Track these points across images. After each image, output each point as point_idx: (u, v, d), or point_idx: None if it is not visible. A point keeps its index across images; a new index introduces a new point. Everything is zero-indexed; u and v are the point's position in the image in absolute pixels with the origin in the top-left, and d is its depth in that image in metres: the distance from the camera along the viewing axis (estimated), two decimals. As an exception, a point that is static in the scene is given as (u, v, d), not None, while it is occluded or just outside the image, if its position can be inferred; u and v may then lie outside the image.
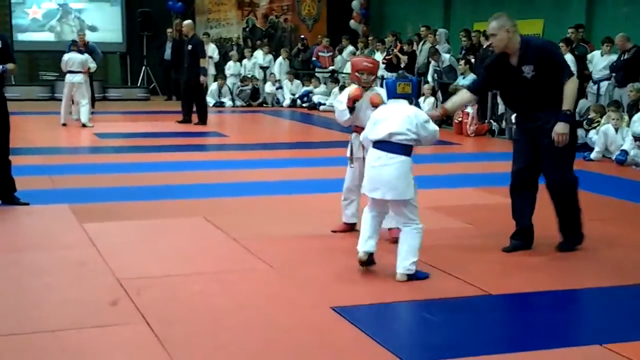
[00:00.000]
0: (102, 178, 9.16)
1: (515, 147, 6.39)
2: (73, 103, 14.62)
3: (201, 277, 5.40)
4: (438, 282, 5.30)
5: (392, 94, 5.50)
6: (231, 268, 5.63)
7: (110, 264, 5.58)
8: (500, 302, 5.02)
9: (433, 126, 5.49)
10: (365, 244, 5.42)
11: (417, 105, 5.98)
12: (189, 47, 15.08)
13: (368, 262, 5.42)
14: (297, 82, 20.17)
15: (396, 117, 5.37)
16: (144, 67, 22.35)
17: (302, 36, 21.61)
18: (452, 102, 6.50)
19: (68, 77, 14.37)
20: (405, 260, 5.27)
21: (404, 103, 5.46)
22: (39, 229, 6.73)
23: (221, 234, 6.56)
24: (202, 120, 15.15)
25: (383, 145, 5.36)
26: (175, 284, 5.21)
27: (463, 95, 6.51)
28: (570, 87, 5.92)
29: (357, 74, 6.25)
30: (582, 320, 4.87)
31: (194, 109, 15.27)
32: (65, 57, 14.49)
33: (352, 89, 6.28)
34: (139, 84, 22.11)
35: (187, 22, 16.01)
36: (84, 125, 14.16)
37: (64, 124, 14.34)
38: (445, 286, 5.22)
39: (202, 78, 15.07)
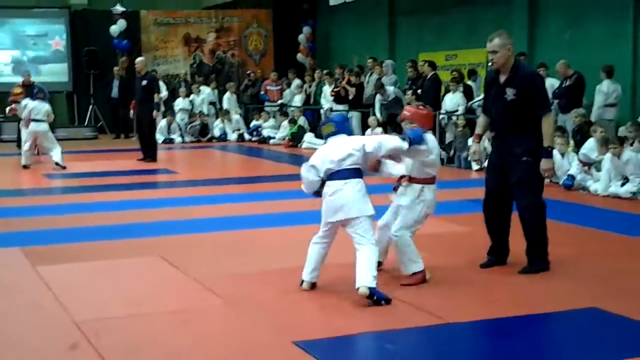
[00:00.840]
0: (54, 219, 9.05)
1: (488, 168, 6.68)
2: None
3: (160, 316, 5.37)
4: (398, 311, 5.35)
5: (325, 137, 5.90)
6: (190, 306, 5.61)
7: (67, 306, 5.52)
8: (458, 329, 5.08)
9: (392, 140, 5.81)
10: (310, 275, 5.79)
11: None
12: (144, 82, 15.04)
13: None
14: (236, 117, 20.24)
15: (335, 147, 5.70)
16: (91, 106, 22.21)
17: (249, 71, 21.70)
18: (479, 126, 6.81)
19: (32, 125, 14.10)
20: (366, 273, 5.38)
21: (335, 138, 5.80)
22: (-9, 274, 6.63)
23: (177, 272, 6.53)
24: (152, 157, 15.09)
25: (334, 175, 5.60)
26: (134, 324, 5.17)
27: (480, 119, 6.87)
28: (548, 122, 6.27)
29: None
30: (538, 346, 4.93)
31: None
32: (30, 104, 14.26)
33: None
34: (86, 123, 21.96)
35: (141, 58, 16.00)
36: (57, 164, 13.92)
37: (26, 166, 14.09)
38: (405, 315, 5.27)
39: (154, 113, 15.04)
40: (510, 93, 6.25)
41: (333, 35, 22.59)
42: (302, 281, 5.84)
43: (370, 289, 5.34)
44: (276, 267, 6.63)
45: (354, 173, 5.62)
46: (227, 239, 7.93)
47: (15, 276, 6.50)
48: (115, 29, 21.68)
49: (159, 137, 18.58)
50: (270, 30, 23.19)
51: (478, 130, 6.80)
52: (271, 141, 18.87)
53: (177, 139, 19.59)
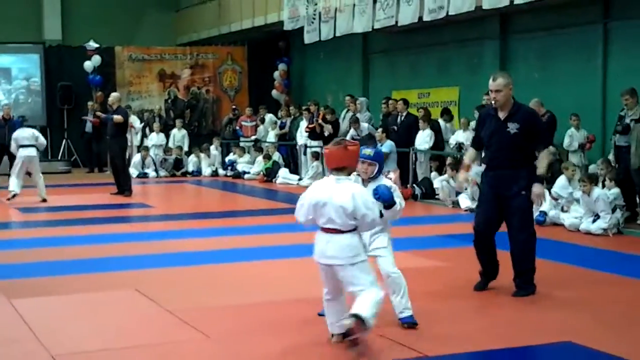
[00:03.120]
0: (29, 253, 9.01)
1: (480, 201, 6.94)
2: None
3: (137, 350, 5.36)
4: (376, 345, 5.36)
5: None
6: (167, 340, 5.60)
7: (43, 340, 5.49)
8: (436, 363, 5.13)
9: None
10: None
11: None
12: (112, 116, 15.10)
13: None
14: (214, 152, 20.35)
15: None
16: (64, 140, 22.16)
17: (234, 106, 21.80)
18: (468, 158, 7.19)
19: (21, 152, 14.12)
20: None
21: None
22: (-35, 308, 6.58)
23: (155, 306, 6.52)
24: (128, 190, 15.07)
25: None
26: (111, 358, 5.16)
27: (470, 151, 7.22)
28: (545, 155, 6.67)
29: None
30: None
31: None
32: (16, 135, 14.35)
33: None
34: (59, 157, 21.88)
35: (115, 94, 16.07)
36: (44, 200, 13.95)
37: (15, 195, 14.03)
38: (383, 349, 5.29)
39: (116, 117, 14.95)
40: (513, 127, 6.54)
41: (308, 72, 22.80)
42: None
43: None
44: (252, 301, 6.65)
45: None
46: (203, 272, 7.93)
47: (-10, 310, 6.46)
48: (89, 64, 21.74)
49: (134, 172, 18.66)
50: (245, 67, 23.36)
51: (467, 161, 7.13)
52: (246, 176, 18.93)
53: (152, 173, 19.59)
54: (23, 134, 14.39)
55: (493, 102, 6.67)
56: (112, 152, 15.37)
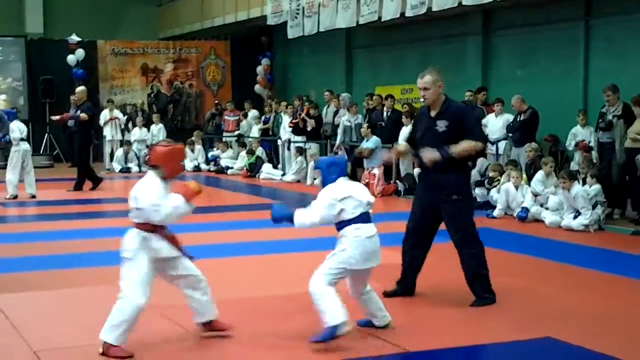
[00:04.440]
0: (8, 247, 8.98)
1: (414, 203, 6.69)
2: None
3: (129, 344, 5.35)
4: (357, 341, 5.39)
5: (345, 172, 5.56)
6: (147, 334, 5.58)
7: (25, 336, 5.48)
8: (418, 359, 5.15)
9: None
10: (344, 313, 5.22)
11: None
12: (78, 112, 15.10)
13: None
14: (198, 147, 20.32)
15: (360, 189, 5.51)
16: (46, 135, 22.04)
17: (217, 101, 21.76)
18: (402, 145, 7.08)
19: (21, 145, 13.89)
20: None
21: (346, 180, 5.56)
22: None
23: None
24: (78, 187, 14.98)
25: (365, 217, 5.39)
26: (93, 353, 5.15)
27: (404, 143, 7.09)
28: (473, 144, 6.28)
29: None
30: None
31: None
32: (20, 125, 14.06)
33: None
34: (41, 152, 21.76)
35: (81, 88, 16.04)
36: (33, 196, 13.84)
37: (16, 196, 13.76)
38: (364, 345, 5.33)
39: (82, 115, 14.87)
40: (441, 125, 6.31)
41: (291, 67, 22.78)
42: (337, 327, 5.15)
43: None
44: (231, 296, 6.65)
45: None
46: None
47: (-30, 305, 6.43)
48: (72, 58, 21.65)
49: (116, 166, 18.67)
50: (228, 61, 23.33)
51: (401, 147, 6.97)
52: (229, 171, 18.91)
53: (134, 168, 19.53)
54: (21, 127, 14.12)
55: (422, 100, 6.51)
56: (77, 146, 15.32)
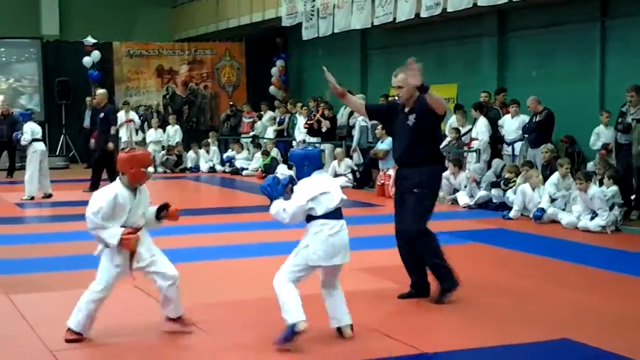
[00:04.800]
0: (27, 248, 9.03)
1: (395, 202, 6.74)
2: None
3: (137, 344, 5.39)
4: (371, 341, 5.39)
5: (319, 165, 5.48)
6: (164, 335, 5.61)
7: (42, 335, 5.51)
8: None
9: None
10: (301, 312, 5.22)
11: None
12: (101, 115, 15.11)
13: None
14: (213, 148, 20.37)
15: (334, 185, 5.48)
16: (62, 136, 22.15)
17: (232, 103, 21.82)
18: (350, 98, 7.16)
19: (37, 145, 13.99)
20: (347, 313, 5.42)
21: (324, 173, 5.55)
22: (-37, 303, 6.58)
23: (152, 302, 6.52)
24: (94, 188, 14.99)
25: (333, 214, 5.36)
26: (111, 353, 5.18)
27: (358, 101, 7.16)
28: (443, 102, 6.62)
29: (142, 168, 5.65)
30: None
31: (104, 176, 15.19)
32: (33, 126, 14.10)
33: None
34: (57, 153, 21.87)
35: (101, 91, 16.04)
36: (49, 195, 13.92)
37: (33, 197, 13.81)
38: (378, 345, 5.32)
39: (110, 145, 14.94)
40: (412, 119, 6.48)
41: (305, 68, 22.79)
42: (295, 324, 5.12)
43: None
44: (251, 297, 6.66)
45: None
46: (201, 268, 7.95)
47: (-12, 305, 6.47)
48: (88, 60, 21.75)
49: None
50: (243, 63, 23.36)
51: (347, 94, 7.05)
52: (244, 172, 18.95)
53: (150, 169, 19.55)
54: (34, 128, 14.18)
55: (396, 98, 6.64)
56: (97, 147, 15.31)
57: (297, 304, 5.16)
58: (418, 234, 6.45)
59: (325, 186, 5.36)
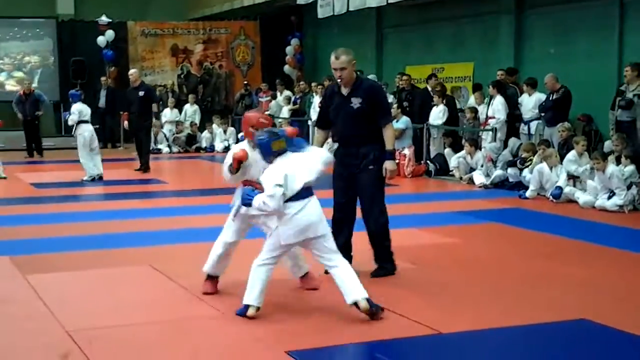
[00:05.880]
0: (43, 228, 9.05)
1: (334, 180, 6.72)
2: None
3: (152, 326, 5.38)
4: (388, 322, 5.37)
5: (270, 152, 5.44)
6: (182, 316, 5.62)
7: (59, 316, 5.51)
8: (451, 340, 5.11)
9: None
10: (260, 298, 5.45)
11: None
12: (141, 93, 14.98)
13: None
14: (231, 128, 20.37)
15: (300, 166, 5.44)
16: (78, 116, 22.14)
17: (246, 82, 21.76)
18: (316, 142, 6.91)
19: (84, 127, 13.79)
20: (358, 286, 5.34)
21: (290, 155, 5.49)
22: (-20, 283, 6.61)
23: (169, 282, 6.54)
24: (146, 167, 15.07)
25: (299, 194, 5.39)
26: (127, 333, 5.18)
27: (317, 135, 7.04)
28: (390, 131, 6.57)
29: (251, 129, 5.91)
30: (529, 358, 4.97)
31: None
32: (81, 108, 13.85)
33: (237, 148, 6.02)
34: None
35: (134, 70, 16.00)
36: (100, 177, 13.83)
37: (94, 178, 13.69)
38: (395, 326, 5.30)
39: (155, 122, 14.96)
40: (356, 102, 6.48)
41: (320, 47, 22.66)
42: (248, 307, 5.43)
43: (368, 299, 5.33)
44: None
45: (311, 188, 5.49)
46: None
47: (5, 285, 6.49)
48: (102, 39, 21.72)
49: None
50: (257, 42, 23.26)
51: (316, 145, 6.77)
52: (258, 152, 18.90)
53: (165, 149, 19.61)
54: (86, 109, 13.98)
55: (338, 80, 6.58)
56: (138, 128, 15.25)
57: (261, 289, 5.43)
58: (380, 212, 6.60)
59: (293, 168, 5.39)
